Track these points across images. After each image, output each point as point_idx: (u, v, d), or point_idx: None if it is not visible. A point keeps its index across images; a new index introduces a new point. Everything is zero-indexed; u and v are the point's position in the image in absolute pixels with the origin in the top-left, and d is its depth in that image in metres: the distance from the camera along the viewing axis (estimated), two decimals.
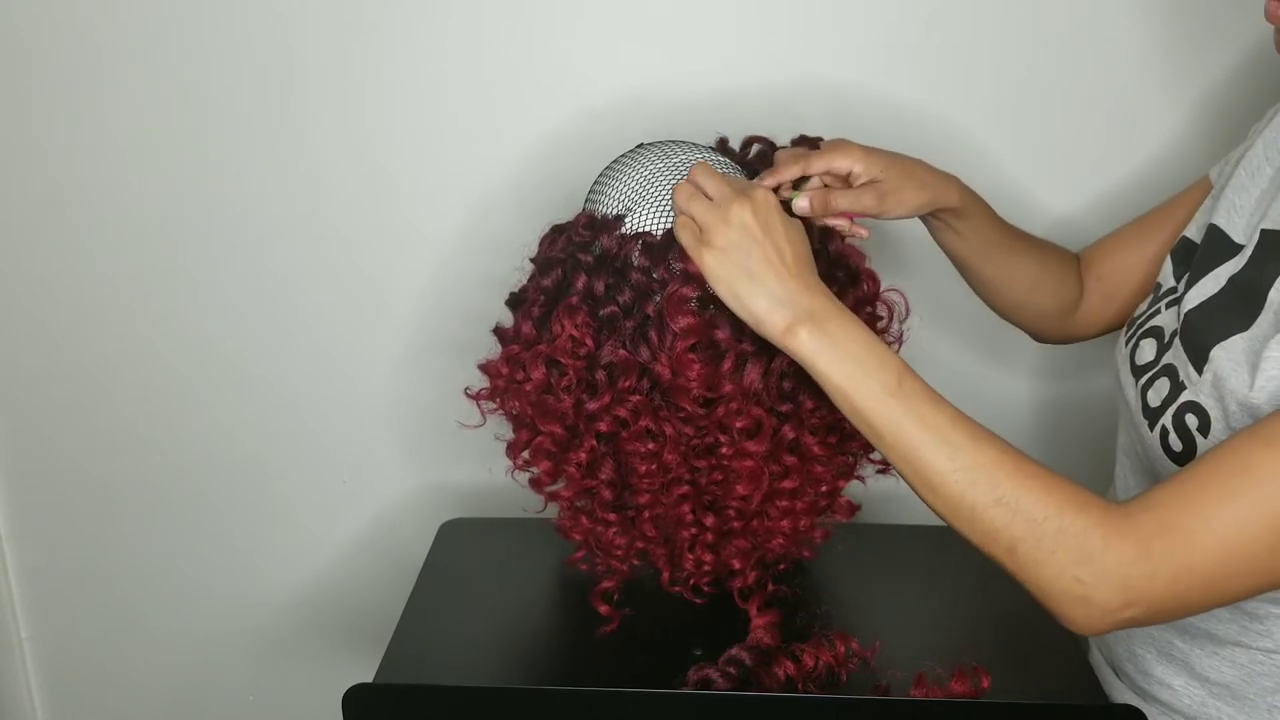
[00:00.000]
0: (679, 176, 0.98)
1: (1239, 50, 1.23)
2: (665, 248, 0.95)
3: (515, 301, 1.03)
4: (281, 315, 1.39)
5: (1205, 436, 0.86)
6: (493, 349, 1.03)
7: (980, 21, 1.24)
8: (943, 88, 1.26)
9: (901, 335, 1.04)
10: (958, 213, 1.04)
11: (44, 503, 1.51)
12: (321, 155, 1.32)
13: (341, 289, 1.38)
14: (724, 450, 0.96)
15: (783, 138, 1.11)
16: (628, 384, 0.94)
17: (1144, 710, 0.97)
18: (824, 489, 1.05)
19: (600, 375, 0.95)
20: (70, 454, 1.48)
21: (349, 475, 1.47)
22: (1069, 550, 0.78)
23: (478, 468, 1.35)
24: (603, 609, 1.07)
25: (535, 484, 1.04)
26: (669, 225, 0.96)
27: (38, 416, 1.47)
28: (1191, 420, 0.87)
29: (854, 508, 1.12)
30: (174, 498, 1.49)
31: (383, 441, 1.44)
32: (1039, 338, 1.18)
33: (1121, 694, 1.02)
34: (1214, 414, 0.86)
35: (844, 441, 1.03)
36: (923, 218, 1.06)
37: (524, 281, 1.04)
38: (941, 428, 0.81)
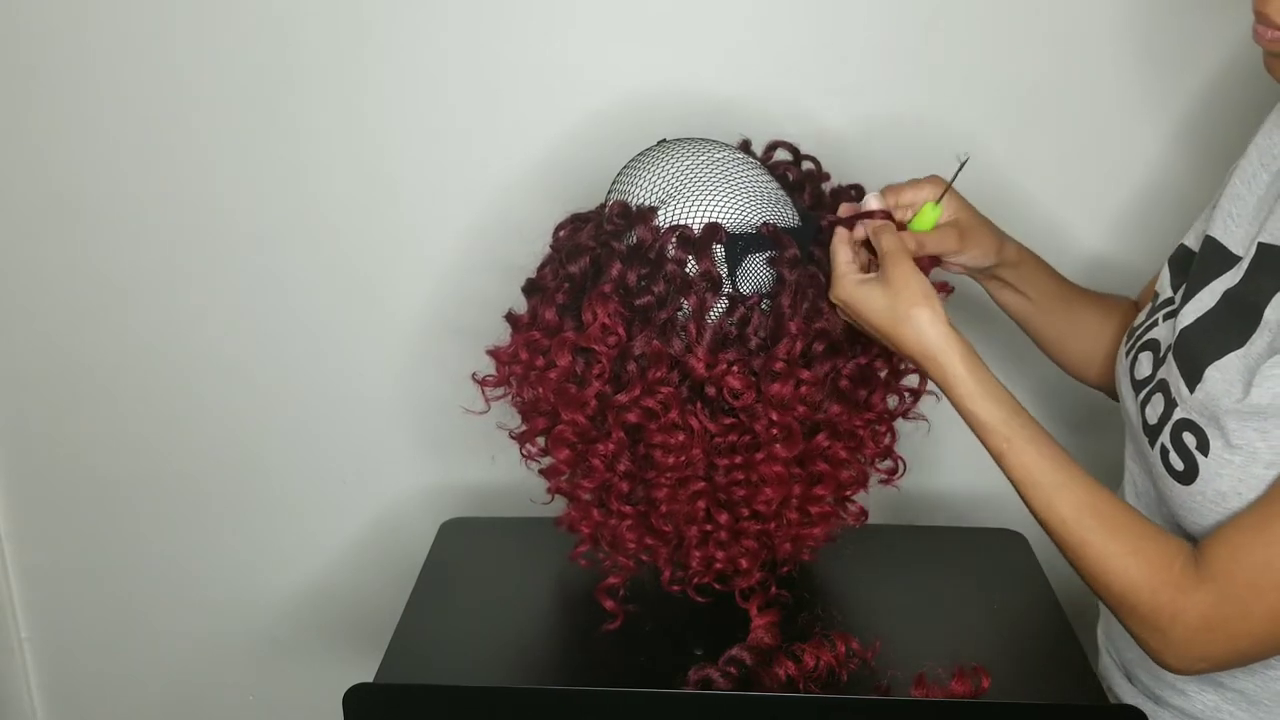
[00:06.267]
0: (716, 173, 0.99)
1: (1228, 60, 1.23)
2: (702, 242, 0.96)
3: (533, 288, 1.03)
4: (281, 315, 1.39)
5: (1205, 455, 0.86)
6: (493, 340, 1.03)
7: (980, 24, 1.24)
8: (942, 89, 1.26)
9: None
10: (1018, 266, 1.07)
11: (44, 502, 1.51)
12: (320, 154, 1.32)
13: (340, 289, 1.38)
14: (757, 456, 0.97)
15: (786, 138, 1.12)
16: (658, 375, 0.95)
17: (1156, 715, 0.98)
18: (847, 493, 1.07)
19: (631, 367, 0.96)
20: (70, 454, 1.48)
21: (350, 475, 1.47)
22: (1141, 623, 0.86)
23: (479, 463, 1.35)
24: (608, 604, 1.07)
25: (549, 473, 1.04)
26: (705, 219, 0.98)
27: (38, 416, 1.47)
28: (1189, 439, 0.87)
29: (864, 513, 1.12)
30: (174, 497, 1.49)
31: (383, 441, 1.44)
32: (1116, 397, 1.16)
33: (1134, 698, 1.01)
34: (1210, 432, 0.85)
35: (859, 448, 1.03)
36: (982, 280, 1.09)
37: (538, 269, 1.04)
38: (1037, 505, 0.89)
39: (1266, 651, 0.85)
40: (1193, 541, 0.87)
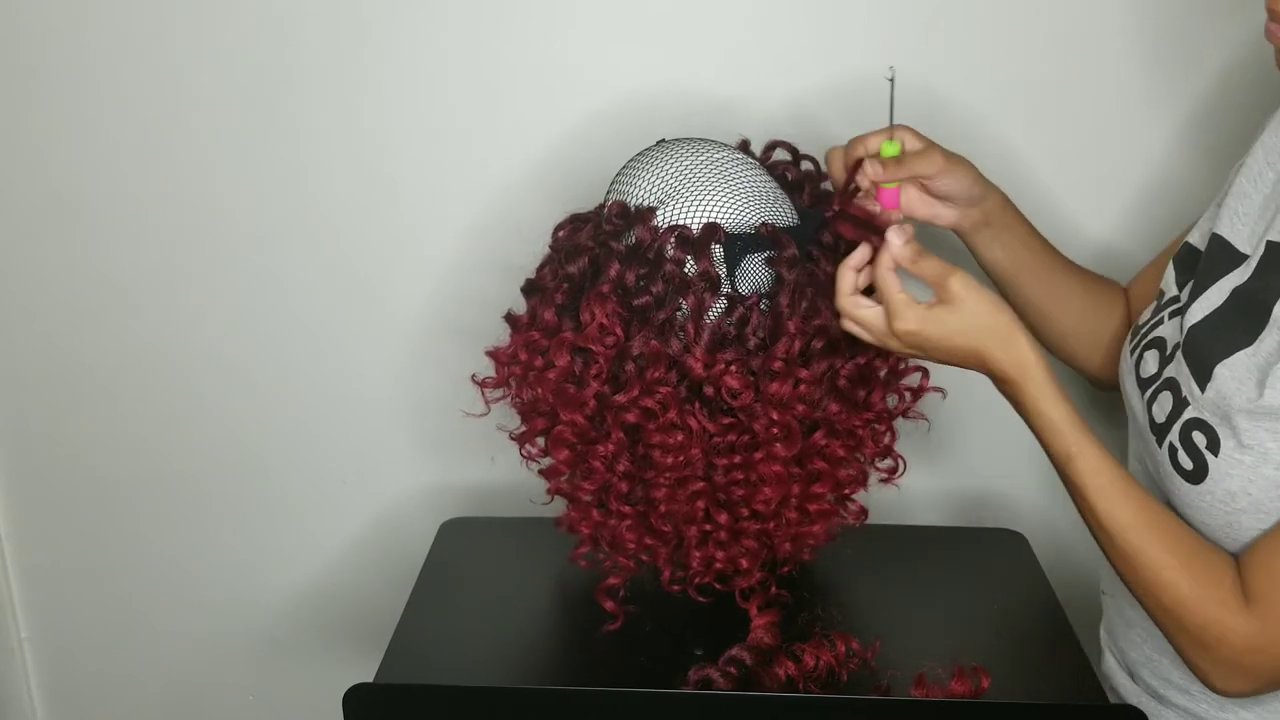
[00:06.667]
0: (714, 173, 0.99)
1: (1232, 58, 1.23)
2: (700, 242, 0.96)
3: (532, 288, 1.03)
4: (281, 315, 1.39)
5: (1215, 455, 0.86)
6: (493, 340, 1.03)
7: (981, 23, 1.24)
8: (943, 89, 1.26)
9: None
10: (1003, 218, 1.07)
11: (44, 502, 1.51)
12: (320, 154, 1.32)
13: (340, 288, 1.38)
14: (756, 455, 0.97)
15: (785, 138, 1.12)
16: (656, 375, 0.95)
17: (1161, 714, 0.98)
18: (846, 492, 1.07)
19: (629, 367, 0.96)
20: (70, 454, 1.48)
21: (350, 475, 1.47)
22: (1188, 643, 0.86)
23: (479, 463, 1.35)
24: (608, 605, 1.07)
25: (549, 473, 1.04)
26: (704, 219, 0.97)
27: (38, 416, 1.47)
28: (1199, 438, 0.87)
29: (864, 512, 1.12)
30: (174, 497, 1.49)
31: (383, 441, 1.44)
32: (1098, 383, 1.16)
33: (1136, 698, 1.02)
34: (1221, 432, 0.85)
35: (859, 447, 1.03)
36: (966, 238, 1.09)
37: (537, 269, 1.04)
38: (1100, 509, 0.89)
39: None
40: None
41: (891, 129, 1.02)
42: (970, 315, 0.91)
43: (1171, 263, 1.00)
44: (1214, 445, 0.86)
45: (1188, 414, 0.88)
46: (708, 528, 1.03)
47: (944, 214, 1.06)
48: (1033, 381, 0.90)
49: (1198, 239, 0.99)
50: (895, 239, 0.94)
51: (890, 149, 1.01)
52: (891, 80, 0.99)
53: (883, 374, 1.03)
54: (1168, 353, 0.94)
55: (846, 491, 1.08)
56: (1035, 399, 0.90)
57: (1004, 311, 0.92)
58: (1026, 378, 0.91)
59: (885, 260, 0.94)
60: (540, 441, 1.04)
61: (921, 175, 1.02)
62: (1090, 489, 0.88)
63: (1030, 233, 1.10)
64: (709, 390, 0.96)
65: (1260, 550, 0.84)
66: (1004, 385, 0.93)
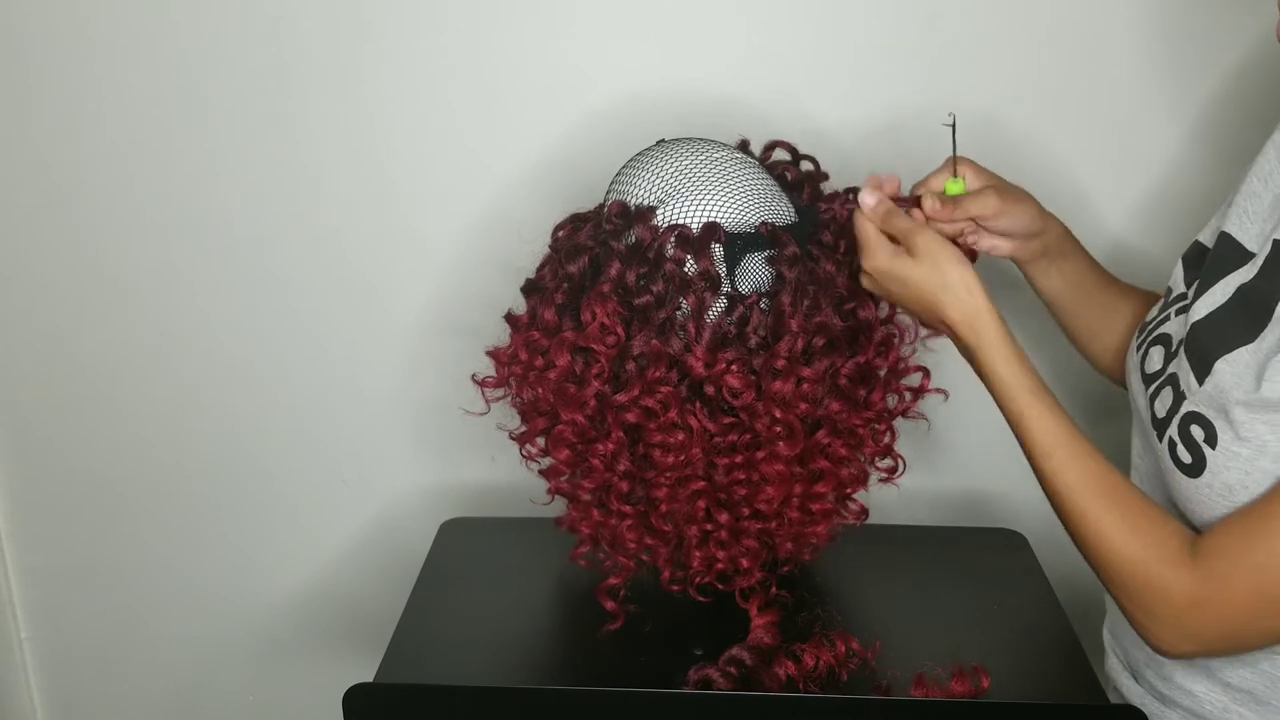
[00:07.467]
0: (714, 172, 1.00)
1: (1244, 58, 1.23)
2: (700, 241, 0.96)
3: (532, 288, 1.03)
4: (281, 315, 1.40)
5: (1213, 448, 0.86)
6: (492, 340, 1.03)
7: (984, 23, 1.24)
8: (944, 89, 1.26)
9: (911, 354, 1.05)
10: (1061, 247, 1.07)
11: (44, 503, 1.51)
12: (320, 154, 1.32)
13: (340, 288, 1.38)
14: (758, 455, 0.97)
15: (783, 138, 1.12)
16: (657, 375, 0.95)
17: (1163, 715, 0.98)
18: (848, 491, 1.07)
19: (630, 366, 0.96)
20: (70, 454, 1.48)
21: (350, 475, 1.47)
22: (1131, 598, 0.87)
23: (479, 463, 1.35)
24: (608, 605, 1.07)
25: (549, 473, 1.04)
26: (704, 219, 0.98)
27: (38, 416, 1.47)
28: (1197, 432, 0.87)
29: (865, 511, 1.12)
30: (174, 497, 1.49)
31: (383, 441, 1.44)
32: None
33: (1140, 699, 1.01)
34: (1218, 425, 0.85)
35: (859, 446, 1.03)
36: (1023, 267, 1.09)
37: (537, 269, 1.04)
38: (1048, 470, 0.90)
39: (1255, 634, 0.85)
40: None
41: (956, 163, 1.02)
42: (930, 268, 0.94)
43: (1180, 260, 1.01)
44: (1212, 439, 0.86)
45: (1185, 408, 0.89)
46: (709, 527, 1.03)
47: (1001, 245, 1.06)
48: (987, 342, 0.92)
49: (1207, 237, 0.99)
50: (868, 199, 0.98)
51: (955, 187, 1.02)
52: (952, 126, 1.00)
53: (883, 373, 1.03)
54: (1172, 349, 0.94)
55: (848, 491, 1.08)
56: (992, 360, 0.92)
57: (963, 268, 0.94)
58: (980, 337, 0.92)
59: (859, 215, 0.99)
60: (540, 441, 1.05)
61: (978, 217, 1.03)
62: (1038, 449, 0.90)
63: (1086, 259, 1.11)
64: (710, 390, 0.96)
65: (1228, 517, 0.84)
66: (960, 343, 0.95)
